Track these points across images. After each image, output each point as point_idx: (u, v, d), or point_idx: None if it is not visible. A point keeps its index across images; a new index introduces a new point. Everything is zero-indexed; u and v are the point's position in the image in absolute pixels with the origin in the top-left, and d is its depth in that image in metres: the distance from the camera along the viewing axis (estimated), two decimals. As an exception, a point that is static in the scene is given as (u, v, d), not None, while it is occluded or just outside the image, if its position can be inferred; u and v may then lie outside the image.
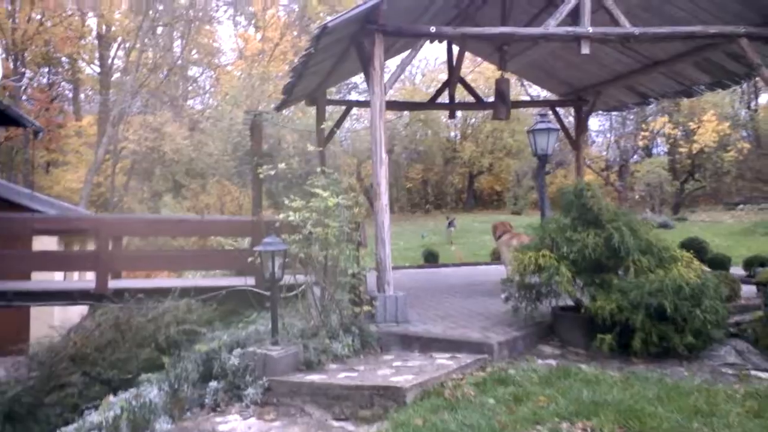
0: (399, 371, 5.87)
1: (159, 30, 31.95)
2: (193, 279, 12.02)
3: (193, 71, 37.41)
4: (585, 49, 8.05)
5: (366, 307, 6.93)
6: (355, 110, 26.34)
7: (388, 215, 7.60)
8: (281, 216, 7.21)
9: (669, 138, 38.29)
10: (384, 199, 7.58)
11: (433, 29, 7.83)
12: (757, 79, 11.00)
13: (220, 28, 44.86)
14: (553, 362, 6.37)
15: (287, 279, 8.71)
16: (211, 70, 36.12)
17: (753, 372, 5.83)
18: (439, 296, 9.19)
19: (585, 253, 6.54)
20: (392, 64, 11.56)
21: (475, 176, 36.73)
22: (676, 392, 5.03)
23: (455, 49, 12.00)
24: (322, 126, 11.10)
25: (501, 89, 10.14)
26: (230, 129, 23.80)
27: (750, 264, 9.82)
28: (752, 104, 43.88)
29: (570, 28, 8.01)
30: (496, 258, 14.14)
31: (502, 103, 10.15)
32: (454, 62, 11.87)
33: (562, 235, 6.71)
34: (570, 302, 7.17)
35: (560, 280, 6.47)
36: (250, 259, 7.02)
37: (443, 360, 6.19)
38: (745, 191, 38.26)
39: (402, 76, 40.65)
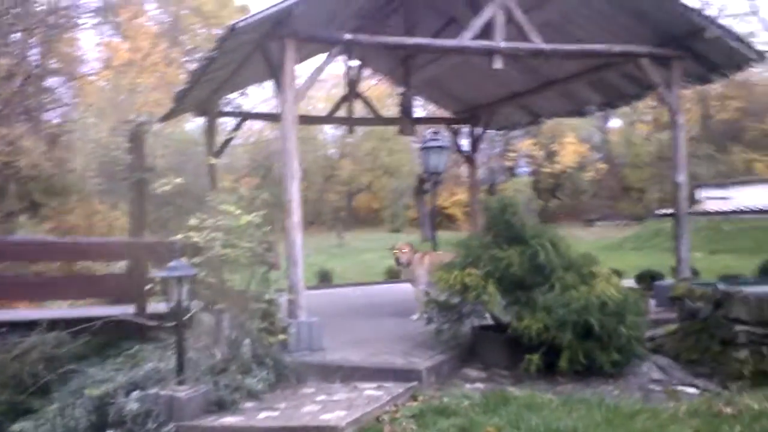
0: (326, 407, 5.33)
1: (14, 36, 29.19)
2: (60, 309, 10.73)
3: (51, 81, 34.52)
4: (497, 64, 7.98)
5: (281, 336, 6.32)
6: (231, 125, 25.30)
7: (300, 233, 7.07)
8: (179, 236, 6.47)
9: (534, 159, 40.39)
10: (296, 216, 7.05)
11: (349, 36, 7.45)
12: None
13: (83, 36, 41.78)
14: (481, 386, 6.11)
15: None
16: (73, 81, 33.49)
17: (679, 387, 5.83)
18: (346, 319, 8.70)
19: (510, 271, 6.34)
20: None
21: (353, 194, 36.54)
22: (621, 415, 4.87)
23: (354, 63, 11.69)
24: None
25: (406, 104, 9.90)
26: (95, 143, 22.00)
27: (642, 278, 10.16)
28: (605, 128, 47.19)
29: (484, 42, 7.90)
30: (390, 277, 13.89)
31: (407, 119, 9.91)
32: (353, 77, 11.54)
33: (486, 252, 6.47)
34: (489, 321, 6.96)
35: (488, 300, 6.22)
36: (148, 286, 6.19)
37: (371, 391, 5.72)
38: (602, 209, 40.91)
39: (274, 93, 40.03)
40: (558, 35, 8.83)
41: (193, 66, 36.32)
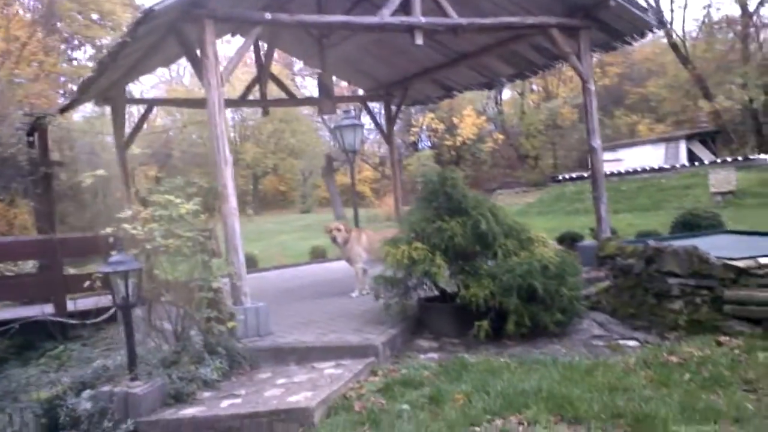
0: (290, 389, 5.28)
1: None
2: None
3: None
4: (419, 40, 8.03)
5: (231, 323, 6.17)
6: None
7: (237, 219, 6.91)
8: (110, 230, 6.18)
9: (436, 132, 41.15)
10: (232, 202, 6.87)
11: (268, 16, 7.27)
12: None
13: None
14: (434, 355, 6.23)
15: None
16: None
17: (621, 341, 6.15)
18: (287, 301, 8.61)
19: (455, 242, 6.48)
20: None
21: (259, 177, 35.89)
22: (578, 372, 5.10)
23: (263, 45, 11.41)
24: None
25: (325, 83, 9.80)
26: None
27: (563, 240, 10.64)
28: (498, 100, 48.61)
29: (404, 18, 7.93)
30: (315, 257, 13.85)
31: (327, 98, 9.83)
32: (263, 59, 11.28)
33: (430, 225, 6.57)
34: (435, 292, 7.10)
35: (436, 271, 6.34)
36: (86, 283, 5.87)
37: (330, 370, 5.72)
38: (500, 177, 42.31)
39: (169, 76, 38.15)
40: (467, 9, 8.95)
41: (78, 53, 34.04)
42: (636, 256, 6.57)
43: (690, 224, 9.07)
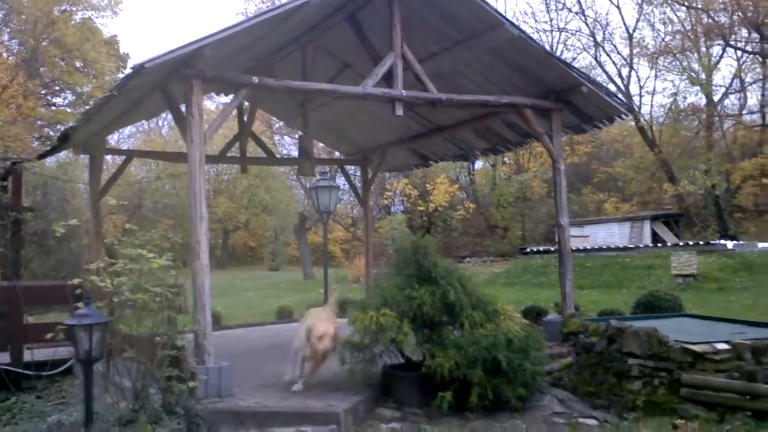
0: (248, 454, 5.22)
1: None
2: None
3: None
4: (399, 111, 8.32)
5: (191, 383, 6.09)
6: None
7: (208, 277, 6.92)
8: (77, 281, 6.17)
9: (409, 197, 41.69)
10: (204, 259, 6.90)
11: (256, 80, 7.47)
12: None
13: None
14: (396, 425, 6.17)
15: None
16: None
17: (580, 419, 6.19)
18: (250, 362, 8.51)
19: (423, 310, 6.55)
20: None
21: (230, 232, 35.75)
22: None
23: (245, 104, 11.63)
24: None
25: (305, 146, 10.01)
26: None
27: (528, 313, 10.75)
28: (471, 169, 49.54)
29: (386, 90, 8.22)
30: (281, 316, 13.76)
31: (307, 160, 10.01)
32: (246, 117, 11.49)
33: (400, 293, 6.65)
34: (401, 360, 7.11)
35: (403, 339, 6.39)
36: (49, 335, 5.78)
37: (292, 436, 5.67)
38: (470, 246, 42.68)
39: (147, 126, 38.29)
40: (447, 85, 9.32)
41: (57, 99, 34.08)
42: (598, 335, 6.70)
43: (651, 305, 9.27)
